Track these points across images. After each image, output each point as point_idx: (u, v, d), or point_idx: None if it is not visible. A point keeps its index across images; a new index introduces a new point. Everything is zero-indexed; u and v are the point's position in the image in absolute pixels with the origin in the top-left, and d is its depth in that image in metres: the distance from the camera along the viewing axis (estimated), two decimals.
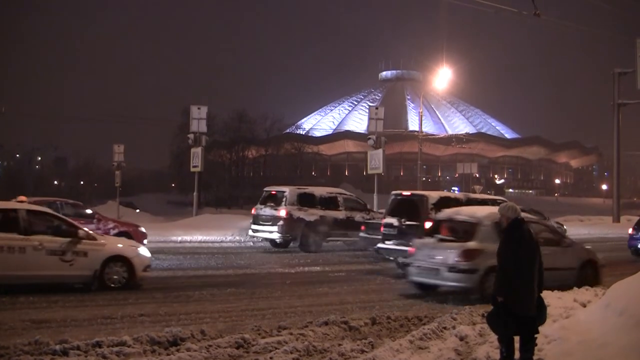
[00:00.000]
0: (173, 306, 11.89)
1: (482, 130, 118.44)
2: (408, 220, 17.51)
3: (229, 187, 72.97)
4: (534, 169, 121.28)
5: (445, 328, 9.65)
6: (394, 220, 17.90)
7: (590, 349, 7.86)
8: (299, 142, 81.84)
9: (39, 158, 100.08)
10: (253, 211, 24.72)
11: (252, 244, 26.01)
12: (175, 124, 67.29)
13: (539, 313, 7.20)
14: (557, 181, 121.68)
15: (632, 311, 8.05)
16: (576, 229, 35.42)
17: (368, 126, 33.05)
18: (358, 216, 24.09)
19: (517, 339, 7.24)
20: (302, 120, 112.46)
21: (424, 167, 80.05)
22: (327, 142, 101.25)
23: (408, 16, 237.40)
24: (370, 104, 77.13)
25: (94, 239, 13.64)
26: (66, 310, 11.23)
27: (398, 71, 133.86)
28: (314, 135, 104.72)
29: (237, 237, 27.21)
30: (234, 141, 74.73)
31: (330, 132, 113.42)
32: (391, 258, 18.64)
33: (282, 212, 23.00)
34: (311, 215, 23.33)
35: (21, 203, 15.59)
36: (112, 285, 13.43)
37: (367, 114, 35.10)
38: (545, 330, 7.78)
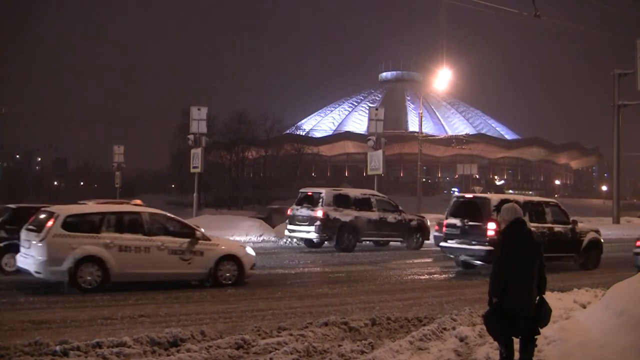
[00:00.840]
0: (173, 307, 11.91)
1: (482, 131, 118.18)
2: (470, 221, 18.37)
3: (229, 188, 72.94)
4: (534, 170, 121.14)
5: (445, 329, 9.65)
6: (456, 221, 18.74)
7: (590, 350, 7.86)
8: (299, 143, 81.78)
9: (39, 159, 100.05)
10: (289, 212, 25.64)
11: (251, 244, 26.08)
12: (175, 124, 67.35)
13: (540, 314, 7.15)
14: (557, 182, 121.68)
15: (632, 312, 8.05)
16: None
17: (368, 127, 33.16)
18: (390, 217, 25.22)
19: (517, 340, 7.23)
20: (302, 121, 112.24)
21: (424, 168, 79.86)
22: (327, 143, 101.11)
23: (408, 17, 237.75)
24: (370, 105, 77.12)
25: (208, 239, 14.79)
26: (66, 310, 11.25)
27: (398, 72, 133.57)
28: (314, 136, 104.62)
29: (238, 238, 27.24)
30: (233, 142, 74.67)
31: (330, 133, 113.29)
32: (451, 256, 19.60)
33: (319, 213, 23.81)
34: (346, 215, 24.13)
35: (139, 206, 16.73)
36: (225, 282, 14.58)
37: (367, 115, 35.20)
38: (545, 331, 7.78)
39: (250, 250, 15.53)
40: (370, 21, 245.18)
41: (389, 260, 21.94)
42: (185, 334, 8.87)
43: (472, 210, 18.58)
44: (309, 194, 25.35)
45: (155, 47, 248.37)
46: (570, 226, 19.61)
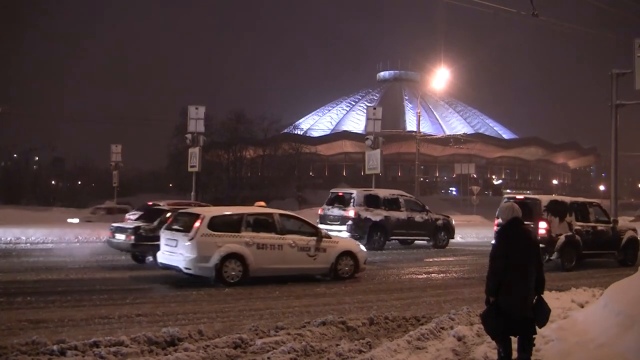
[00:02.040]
0: (170, 306, 11.89)
1: (480, 131, 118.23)
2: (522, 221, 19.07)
3: (226, 188, 72.87)
4: (531, 169, 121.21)
5: (443, 328, 9.64)
6: None
7: (588, 350, 7.86)
8: (297, 143, 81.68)
9: (36, 158, 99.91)
10: (320, 211, 26.47)
11: None
12: (172, 124, 67.36)
13: (539, 314, 7.13)
14: (555, 182, 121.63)
15: (629, 311, 8.06)
16: None
17: (366, 126, 33.13)
18: (418, 216, 26.34)
19: (515, 339, 7.22)
20: (300, 121, 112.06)
21: (422, 167, 79.94)
22: (325, 142, 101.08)
23: (406, 16, 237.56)
24: (368, 105, 77.20)
25: (330, 237, 16.38)
26: (63, 310, 11.23)
27: (396, 72, 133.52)
28: (311, 136, 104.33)
29: None
30: (231, 141, 74.69)
31: (328, 132, 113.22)
32: None
33: (351, 213, 24.73)
34: (377, 215, 25.10)
35: (264, 207, 18.44)
36: (343, 275, 16.15)
37: (365, 114, 35.14)
38: (542, 330, 7.78)
39: (362, 247, 17.14)
40: (368, 21, 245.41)
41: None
42: (183, 333, 8.84)
43: (523, 210, 18.86)
44: (340, 194, 26.30)
45: (153, 47, 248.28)
46: (611, 225, 20.96)
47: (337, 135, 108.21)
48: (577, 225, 19.77)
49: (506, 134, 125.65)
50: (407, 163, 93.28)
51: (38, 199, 70.50)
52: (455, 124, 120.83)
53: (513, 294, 6.99)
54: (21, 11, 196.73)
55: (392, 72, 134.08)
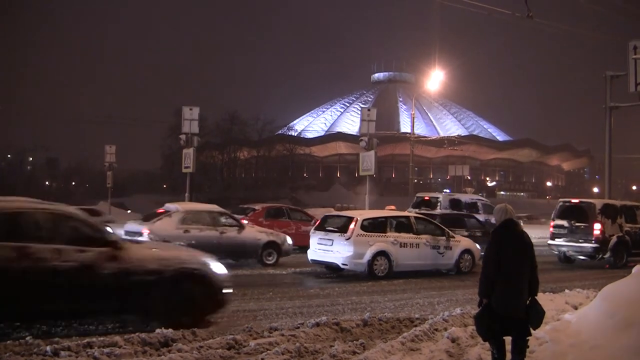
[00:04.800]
0: None
1: (474, 133, 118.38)
2: (577, 222, 21.51)
3: (220, 188, 72.81)
4: (525, 171, 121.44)
5: (437, 330, 9.64)
6: (564, 222, 21.82)
7: (582, 351, 7.86)
8: (291, 144, 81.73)
9: (30, 159, 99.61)
10: None
11: None
12: (167, 125, 67.29)
13: (532, 316, 7.11)
14: (549, 184, 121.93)
15: (623, 313, 8.06)
16: None
17: (360, 128, 33.04)
18: (493, 219, 27.31)
19: (509, 340, 7.20)
20: (294, 122, 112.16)
21: (416, 169, 79.74)
22: (319, 143, 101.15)
23: (400, 18, 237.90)
24: (363, 106, 77.06)
25: (454, 237, 18.35)
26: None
27: (390, 73, 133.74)
28: (306, 137, 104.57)
29: None
30: (225, 142, 74.66)
31: (322, 133, 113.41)
32: (556, 252, 22.49)
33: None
34: None
35: (393, 210, 21.33)
36: (464, 270, 18.18)
37: (359, 116, 35.12)
38: (536, 332, 7.77)
39: (477, 246, 18.77)
40: (363, 22, 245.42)
41: None
42: (177, 334, 8.81)
43: (577, 213, 21.71)
44: (426, 198, 29.46)
45: (148, 47, 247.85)
46: None
47: (331, 137, 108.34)
48: (627, 226, 21.67)
49: (500, 136, 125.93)
50: (401, 164, 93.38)
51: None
52: (450, 126, 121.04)
53: (506, 295, 6.97)
54: (17, 11, 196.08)
55: (386, 73, 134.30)
